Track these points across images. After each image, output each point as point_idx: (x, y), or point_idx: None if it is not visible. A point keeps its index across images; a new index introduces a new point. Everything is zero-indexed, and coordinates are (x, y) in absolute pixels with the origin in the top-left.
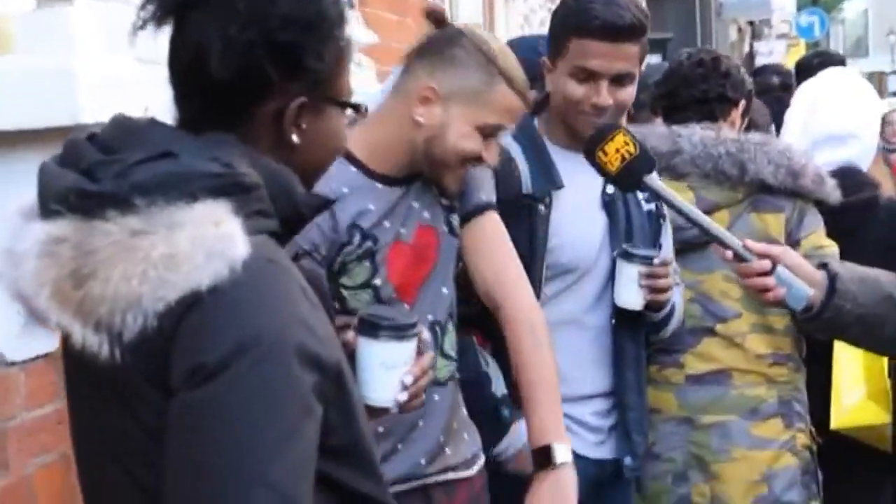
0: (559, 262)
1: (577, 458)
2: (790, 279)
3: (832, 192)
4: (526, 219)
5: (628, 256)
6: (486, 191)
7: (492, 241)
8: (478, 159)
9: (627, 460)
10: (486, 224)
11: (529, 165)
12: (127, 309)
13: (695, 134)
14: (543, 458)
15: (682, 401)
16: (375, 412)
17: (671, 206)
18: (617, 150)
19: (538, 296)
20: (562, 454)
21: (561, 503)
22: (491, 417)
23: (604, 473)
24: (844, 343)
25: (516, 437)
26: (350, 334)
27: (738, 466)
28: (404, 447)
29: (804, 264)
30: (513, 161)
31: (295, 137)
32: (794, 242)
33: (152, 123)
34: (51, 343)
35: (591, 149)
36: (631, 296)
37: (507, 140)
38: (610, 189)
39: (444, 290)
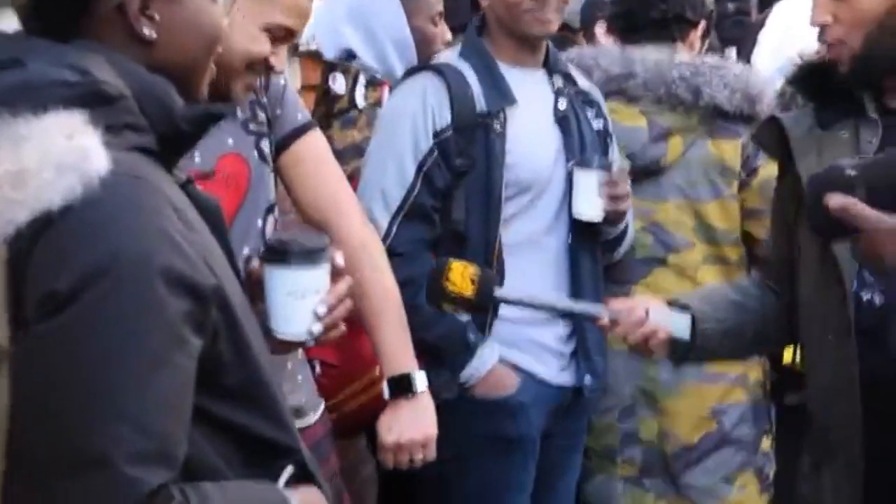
0: (518, 179)
1: (542, 384)
2: (667, 315)
3: None
4: (482, 137)
5: (587, 165)
6: (302, 110)
7: (316, 161)
8: (267, 66)
9: (587, 379)
10: (309, 144)
11: (481, 84)
12: None
13: (648, 57)
14: (402, 385)
15: None
16: (290, 346)
17: (531, 306)
18: (462, 276)
19: (498, 215)
20: (420, 382)
21: (422, 430)
22: (458, 342)
23: (565, 400)
24: None
25: (482, 361)
26: (255, 263)
27: (688, 401)
28: None
29: (663, 305)
30: (466, 81)
31: (147, 31)
32: (750, 170)
33: (15, 35)
34: None
35: (436, 291)
36: (590, 206)
37: (456, 60)
38: (562, 104)
39: (259, 221)
